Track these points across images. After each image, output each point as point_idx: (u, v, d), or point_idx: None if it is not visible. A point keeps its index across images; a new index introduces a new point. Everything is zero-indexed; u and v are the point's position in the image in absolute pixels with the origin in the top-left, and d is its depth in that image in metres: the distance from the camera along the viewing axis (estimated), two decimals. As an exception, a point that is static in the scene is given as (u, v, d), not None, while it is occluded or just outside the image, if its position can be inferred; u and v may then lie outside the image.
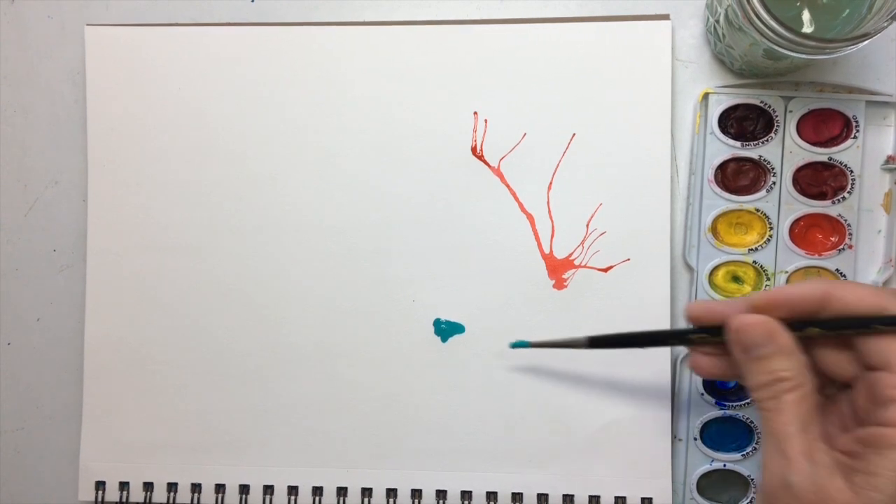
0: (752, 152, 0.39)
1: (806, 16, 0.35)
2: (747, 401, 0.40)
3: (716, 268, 0.40)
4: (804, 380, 0.29)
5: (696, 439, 0.40)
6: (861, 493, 0.27)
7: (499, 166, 0.41)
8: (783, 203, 0.40)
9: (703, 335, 0.33)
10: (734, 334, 0.31)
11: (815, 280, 0.31)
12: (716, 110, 0.39)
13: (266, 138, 0.41)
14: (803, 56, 0.33)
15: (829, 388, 0.32)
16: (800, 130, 0.39)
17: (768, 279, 0.40)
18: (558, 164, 0.40)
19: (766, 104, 0.39)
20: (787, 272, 0.40)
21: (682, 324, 0.41)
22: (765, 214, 0.40)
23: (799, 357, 0.30)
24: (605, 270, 0.40)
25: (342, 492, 0.41)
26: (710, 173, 0.40)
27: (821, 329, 0.30)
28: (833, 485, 0.27)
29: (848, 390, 0.31)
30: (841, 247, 0.39)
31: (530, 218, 0.41)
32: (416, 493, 0.41)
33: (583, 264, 0.40)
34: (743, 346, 0.30)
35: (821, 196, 0.39)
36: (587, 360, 0.40)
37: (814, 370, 0.31)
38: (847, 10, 0.35)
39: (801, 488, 0.27)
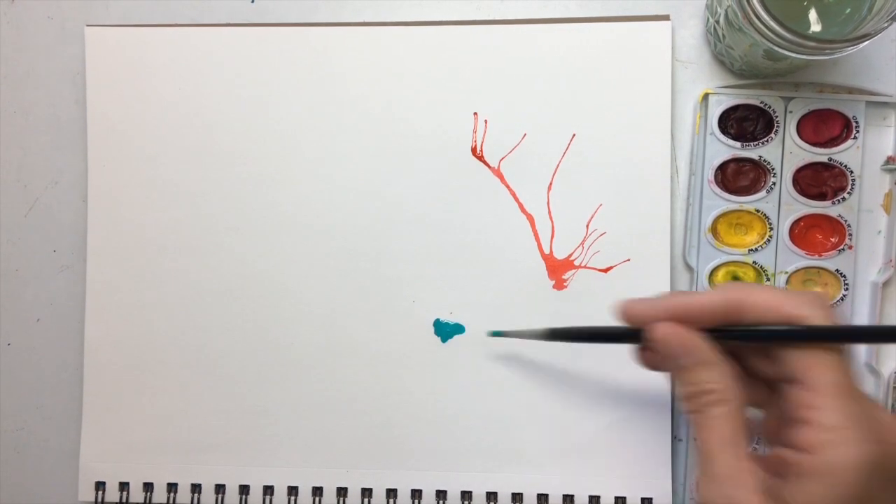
0: (752, 153, 0.39)
1: (813, 15, 0.35)
2: (747, 401, 0.40)
3: (716, 268, 0.40)
4: (731, 394, 0.28)
5: (696, 439, 0.40)
6: None
7: (499, 167, 0.41)
8: (783, 203, 0.40)
9: (636, 341, 0.32)
10: (658, 345, 0.30)
11: (725, 286, 0.30)
12: (716, 111, 0.39)
13: (266, 138, 0.41)
14: (803, 57, 0.33)
15: (764, 389, 0.31)
16: (800, 131, 0.39)
17: (768, 279, 0.40)
18: (558, 165, 0.40)
19: (766, 104, 0.39)
20: (787, 272, 0.40)
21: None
22: (765, 215, 0.40)
23: (723, 368, 0.29)
24: (605, 271, 0.40)
25: (342, 492, 0.41)
26: (710, 174, 0.40)
27: (737, 340, 0.29)
28: None
29: (777, 391, 0.30)
30: (841, 247, 0.39)
31: (530, 218, 0.41)
32: (416, 493, 0.41)
33: (583, 264, 0.40)
34: (665, 355, 0.30)
35: (821, 196, 0.39)
36: (587, 361, 0.40)
37: (746, 372, 0.30)
38: (848, 10, 0.35)
39: None
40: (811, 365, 0.27)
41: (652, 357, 0.32)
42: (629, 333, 0.33)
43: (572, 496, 0.40)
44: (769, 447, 0.31)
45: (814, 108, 0.39)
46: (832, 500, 0.25)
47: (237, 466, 0.42)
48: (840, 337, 0.28)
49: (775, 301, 0.28)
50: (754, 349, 0.31)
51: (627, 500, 0.40)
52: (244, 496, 0.42)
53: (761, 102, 0.39)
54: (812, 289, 0.40)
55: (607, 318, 0.40)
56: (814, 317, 0.28)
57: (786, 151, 0.39)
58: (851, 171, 0.39)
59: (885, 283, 0.40)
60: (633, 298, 0.32)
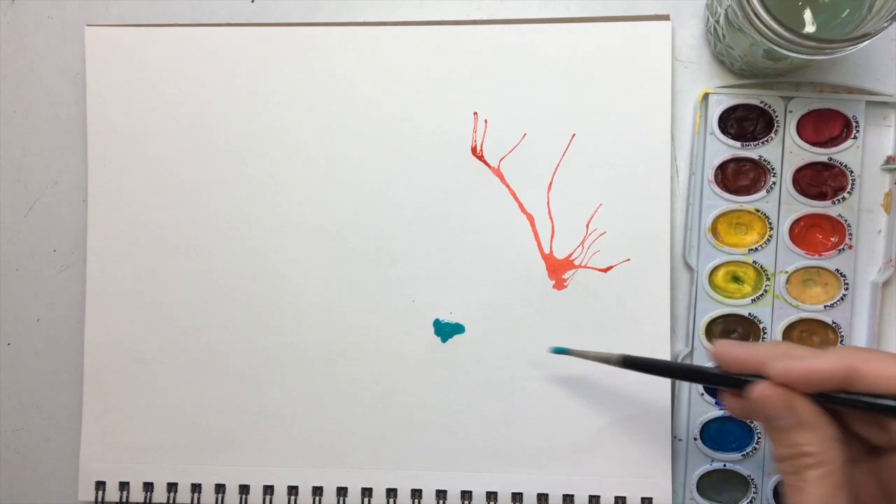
0: (752, 152, 0.39)
1: (808, 15, 0.35)
2: (747, 401, 0.40)
3: (716, 268, 0.40)
4: (830, 456, 0.27)
5: (696, 439, 0.40)
6: None
7: (499, 166, 0.41)
8: (783, 203, 0.40)
9: (732, 387, 0.30)
10: (754, 403, 0.28)
11: (839, 352, 0.27)
12: (716, 110, 0.39)
13: (266, 138, 0.41)
14: (803, 56, 0.33)
15: (861, 447, 0.30)
16: (800, 131, 0.39)
17: (768, 279, 0.40)
18: (558, 165, 0.40)
19: (766, 104, 0.39)
20: (787, 272, 0.40)
21: (683, 328, 0.41)
22: (765, 214, 0.40)
23: (824, 430, 0.27)
24: (605, 270, 0.40)
25: (342, 492, 0.41)
26: (710, 173, 0.40)
27: (844, 407, 0.28)
28: None
29: (884, 454, 0.29)
30: (841, 247, 0.39)
31: (530, 218, 0.41)
32: (416, 493, 0.41)
33: (583, 264, 0.40)
34: (763, 415, 0.28)
35: (821, 196, 0.39)
36: (587, 360, 0.40)
37: (846, 431, 0.29)
38: (847, 10, 0.35)
39: None
40: None
41: (742, 406, 0.30)
42: (725, 379, 0.31)
43: (572, 496, 0.40)
44: None
45: (814, 108, 0.39)
46: None
47: (237, 466, 0.42)
48: None
49: (887, 371, 0.27)
50: (862, 415, 0.29)
51: (627, 500, 0.40)
52: (244, 496, 0.42)
53: (761, 102, 0.39)
54: (812, 288, 0.40)
55: (607, 318, 0.40)
56: None
57: (786, 151, 0.39)
58: (851, 171, 0.39)
59: (885, 283, 0.40)
60: (731, 342, 0.30)
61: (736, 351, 0.30)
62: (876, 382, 0.27)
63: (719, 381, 0.31)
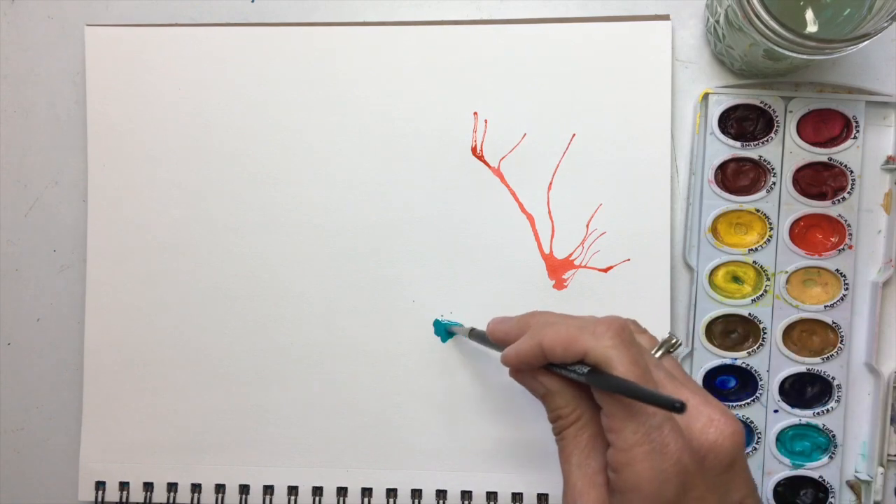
0: (752, 152, 0.39)
1: (809, 15, 0.35)
2: (747, 401, 0.40)
3: (716, 268, 0.40)
4: (578, 413, 0.30)
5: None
6: None
7: (499, 166, 0.41)
8: (783, 203, 0.40)
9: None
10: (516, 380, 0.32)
11: (531, 331, 0.31)
12: (716, 110, 0.39)
13: (266, 138, 0.41)
14: (803, 56, 0.33)
15: None
16: (800, 131, 0.39)
17: (768, 279, 0.40)
18: (558, 165, 0.40)
19: (766, 104, 0.39)
20: (787, 272, 0.40)
21: (683, 328, 0.41)
22: (765, 214, 0.40)
23: (568, 392, 0.30)
24: (605, 270, 0.40)
25: (342, 492, 0.41)
26: (710, 173, 0.40)
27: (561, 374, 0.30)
28: None
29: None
30: (841, 247, 0.39)
31: (530, 218, 0.41)
32: (416, 493, 0.41)
33: (583, 264, 0.40)
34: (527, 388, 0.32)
35: (821, 196, 0.39)
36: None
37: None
38: (848, 10, 0.35)
39: None
40: (603, 395, 0.28)
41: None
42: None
43: (572, 496, 0.40)
44: None
45: (814, 108, 0.39)
46: None
47: (237, 466, 0.42)
48: (614, 388, 0.27)
49: (569, 339, 0.29)
50: None
51: (627, 500, 0.40)
52: (244, 496, 0.42)
53: (761, 102, 0.39)
54: (812, 288, 0.40)
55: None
56: (596, 349, 0.28)
57: (786, 151, 0.39)
58: (851, 171, 0.39)
59: (885, 283, 0.40)
60: (496, 319, 0.35)
61: (495, 328, 0.34)
62: (554, 353, 0.29)
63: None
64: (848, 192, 0.39)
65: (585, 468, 0.30)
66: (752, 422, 0.40)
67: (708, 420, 0.28)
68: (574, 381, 0.30)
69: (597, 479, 0.29)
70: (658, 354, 0.31)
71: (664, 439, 0.27)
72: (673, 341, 0.31)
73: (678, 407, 0.24)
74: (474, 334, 0.38)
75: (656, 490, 0.27)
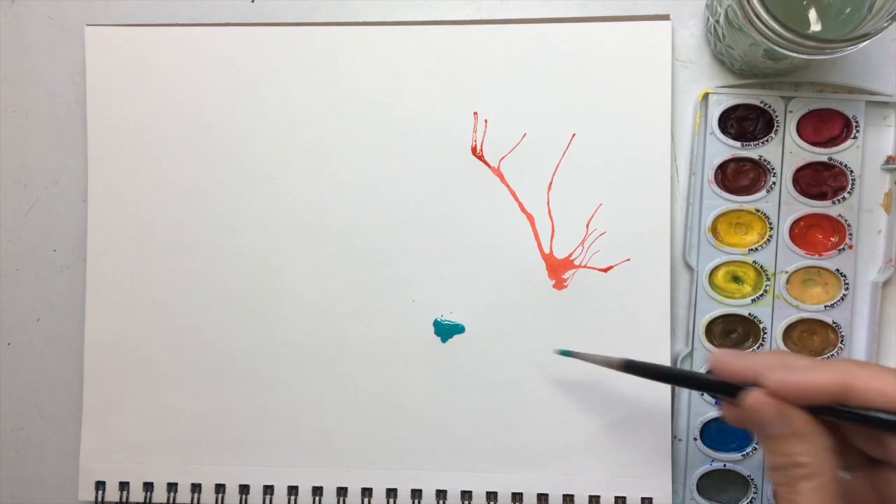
0: (752, 152, 0.39)
1: (812, 15, 0.35)
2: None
3: (716, 268, 0.40)
4: (824, 467, 0.27)
5: (696, 439, 0.40)
6: None
7: (499, 166, 0.41)
8: (783, 203, 0.40)
9: (727, 395, 0.30)
10: (748, 411, 0.28)
11: (835, 365, 0.27)
12: (716, 110, 0.39)
13: (266, 138, 0.41)
14: (803, 56, 0.33)
15: (860, 457, 0.30)
16: (800, 130, 0.39)
17: (768, 279, 0.40)
18: (558, 164, 0.40)
19: (766, 104, 0.39)
20: (787, 272, 0.40)
21: (683, 328, 0.41)
22: (765, 214, 0.40)
23: (818, 441, 0.27)
24: (605, 270, 0.40)
25: (342, 492, 0.41)
26: (710, 173, 0.40)
27: (837, 419, 0.28)
28: None
29: (882, 467, 0.29)
30: (841, 247, 0.39)
31: (530, 218, 0.41)
32: (416, 493, 0.41)
33: (583, 264, 0.40)
34: (757, 423, 0.28)
35: (821, 196, 0.39)
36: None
37: (844, 443, 0.29)
38: (848, 10, 0.35)
39: None
40: None
41: (738, 414, 0.30)
42: (721, 386, 0.31)
43: (572, 496, 0.40)
44: None
45: (814, 108, 0.39)
46: None
47: (237, 466, 0.42)
48: None
49: (889, 386, 0.26)
50: (857, 428, 0.29)
51: (627, 500, 0.40)
52: (244, 496, 0.42)
53: (761, 102, 0.39)
54: (812, 288, 0.40)
55: (607, 318, 0.40)
56: None
57: (786, 151, 0.39)
58: (851, 171, 0.39)
59: (886, 283, 0.40)
60: (728, 352, 0.30)
61: (732, 361, 0.30)
62: (867, 397, 0.27)
63: (716, 389, 0.31)
64: (848, 192, 0.39)
65: None
66: (752, 422, 0.40)
67: None
68: (822, 429, 0.27)
69: None
70: None
71: None
72: None
73: None
74: (635, 367, 0.34)
75: None
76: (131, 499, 0.42)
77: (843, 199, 0.39)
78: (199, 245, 0.42)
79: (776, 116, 0.39)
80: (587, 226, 0.40)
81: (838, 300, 0.39)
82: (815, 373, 0.27)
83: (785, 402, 0.27)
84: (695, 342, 0.40)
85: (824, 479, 0.27)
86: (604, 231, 0.40)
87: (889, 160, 0.40)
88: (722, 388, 0.30)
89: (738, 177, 0.40)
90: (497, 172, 0.41)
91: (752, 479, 0.40)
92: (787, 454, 0.27)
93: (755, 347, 0.40)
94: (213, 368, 0.42)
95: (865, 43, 0.32)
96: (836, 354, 0.40)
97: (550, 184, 0.40)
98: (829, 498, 0.26)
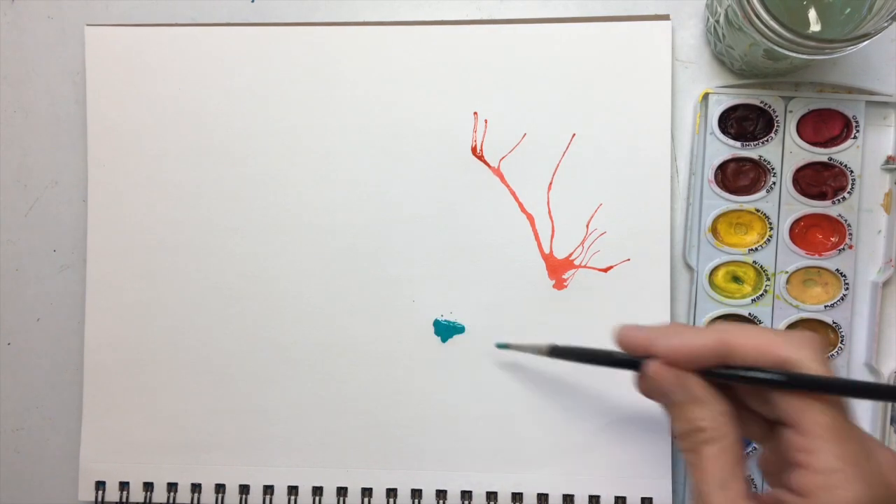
0: (752, 152, 0.39)
1: (812, 15, 0.35)
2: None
3: (716, 268, 0.40)
4: (723, 430, 0.28)
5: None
6: None
7: (499, 166, 0.41)
8: (783, 203, 0.40)
9: (632, 368, 0.31)
10: (650, 381, 0.30)
11: (715, 327, 0.29)
12: (716, 110, 0.39)
13: (266, 138, 0.41)
14: (803, 56, 0.33)
15: (763, 424, 0.30)
16: (800, 130, 0.39)
17: (768, 279, 0.40)
18: (558, 164, 0.40)
19: (766, 104, 0.39)
20: (787, 272, 0.40)
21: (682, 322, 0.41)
22: (765, 214, 0.40)
23: (716, 406, 0.28)
24: (605, 270, 0.40)
25: (342, 492, 0.41)
26: (710, 173, 0.40)
27: (727, 381, 0.29)
28: None
29: (777, 428, 0.29)
30: (841, 247, 0.39)
31: (530, 218, 0.41)
32: (416, 493, 0.41)
33: (583, 264, 0.40)
34: (658, 391, 0.30)
35: (821, 196, 0.39)
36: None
37: (743, 408, 0.29)
38: (848, 10, 0.35)
39: None
40: (802, 408, 0.27)
41: (648, 386, 0.31)
42: (627, 361, 0.32)
43: (572, 496, 0.40)
44: (770, 484, 0.31)
45: (814, 108, 0.39)
46: None
47: (237, 466, 0.42)
48: (826, 388, 0.27)
49: (766, 344, 0.28)
50: (748, 390, 0.30)
51: (627, 500, 0.40)
52: (244, 496, 0.42)
53: (761, 102, 0.39)
54: (812, 288, 0.40)
55: (607, 318, 0.40)
56: (804, 360, 0.27)
57: (786, 151, 0.39)
58: (851, 171, 0.39)
59: (886, 283, 0.40)
60: (630, 326, 0.31)
61: (633, 335, 0.31)
62: (746, 355, 0.28)
63: (626, 364, 0.32)
64: (848, 192, 0.39)
65: (729, 491, 0.27)
66: (752, 422, 0.40)
67: None
68: (720, 395, 0.28)
69: (743, 503, 0.27)
70: None
71: (880, 467, 0.25)
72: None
73: None
74: (560, 351, 0.36)
75: None
76: (131, 499, 0.42)
77: (843, 199, 0.39)
78: (198, 245, 0.42)
79: (776, 116, 0.39)
80: (587, 226, 0.40)
81: (838, 300, 0.39)
82: (696, 336, 0.29)
83: (681, 370, 0.29)
84: (695, 342, 0.40)
85: (726, 441, 0.28)
86: (604, 231, 0.40)
87: (889, 160, 0.40)
88: (629, 363, 0.32)
89: (738, 177, 0.40)
90: (497, 172, 0.41)
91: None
92: (689, 419, 0.28)
93: (755, 347, 0.40)
94: (213, 368, 0.42)
95: (865, 43, 0.32)
96: (836, 355, 0.40)
97: (550, 184, 0.40)
98: (730, 460, 0.27)
